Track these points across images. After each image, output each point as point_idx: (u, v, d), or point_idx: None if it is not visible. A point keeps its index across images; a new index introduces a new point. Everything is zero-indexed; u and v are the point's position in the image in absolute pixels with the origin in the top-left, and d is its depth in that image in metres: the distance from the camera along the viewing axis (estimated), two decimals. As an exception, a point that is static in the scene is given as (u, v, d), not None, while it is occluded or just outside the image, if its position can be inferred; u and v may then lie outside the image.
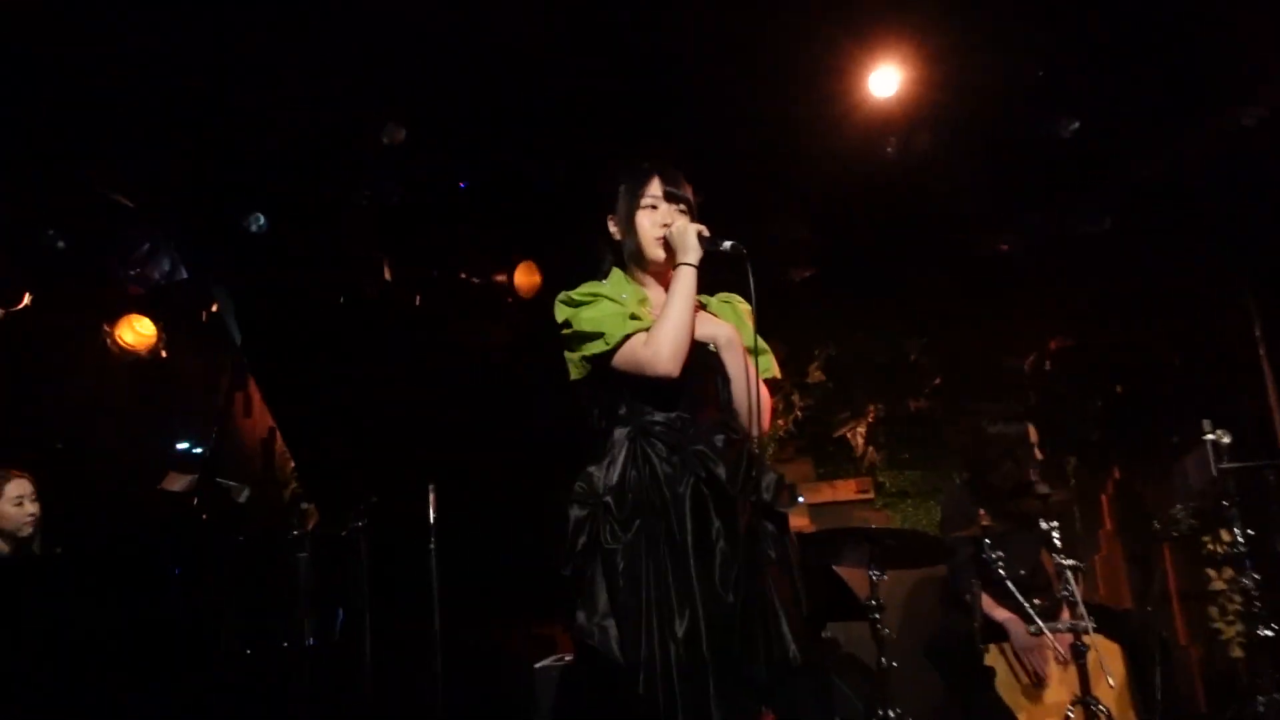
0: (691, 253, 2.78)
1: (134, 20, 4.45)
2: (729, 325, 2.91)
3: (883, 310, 6.45)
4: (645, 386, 2.76)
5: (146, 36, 4.51)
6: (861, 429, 6.53)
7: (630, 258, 2.94)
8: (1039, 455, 5.01)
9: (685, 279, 2.76)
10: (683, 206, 2.92)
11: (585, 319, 2.79)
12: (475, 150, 5.66)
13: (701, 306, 2.92)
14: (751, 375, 2.83)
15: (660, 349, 2.68)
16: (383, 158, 5.47)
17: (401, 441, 5.50)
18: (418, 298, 5.97)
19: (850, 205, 5.96)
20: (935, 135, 5.44)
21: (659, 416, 2.75)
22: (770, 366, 2.96)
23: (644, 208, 2.89)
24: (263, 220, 5.47)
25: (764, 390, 2.88)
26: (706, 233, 2.80)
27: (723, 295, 3.00)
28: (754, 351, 2.84)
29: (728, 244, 2.76)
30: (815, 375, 6.60)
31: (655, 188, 2.91)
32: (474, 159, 5.72)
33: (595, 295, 2.82)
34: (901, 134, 5.47)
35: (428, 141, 5.51)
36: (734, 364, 2.82)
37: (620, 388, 2.80)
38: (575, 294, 2.86)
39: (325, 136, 5.32)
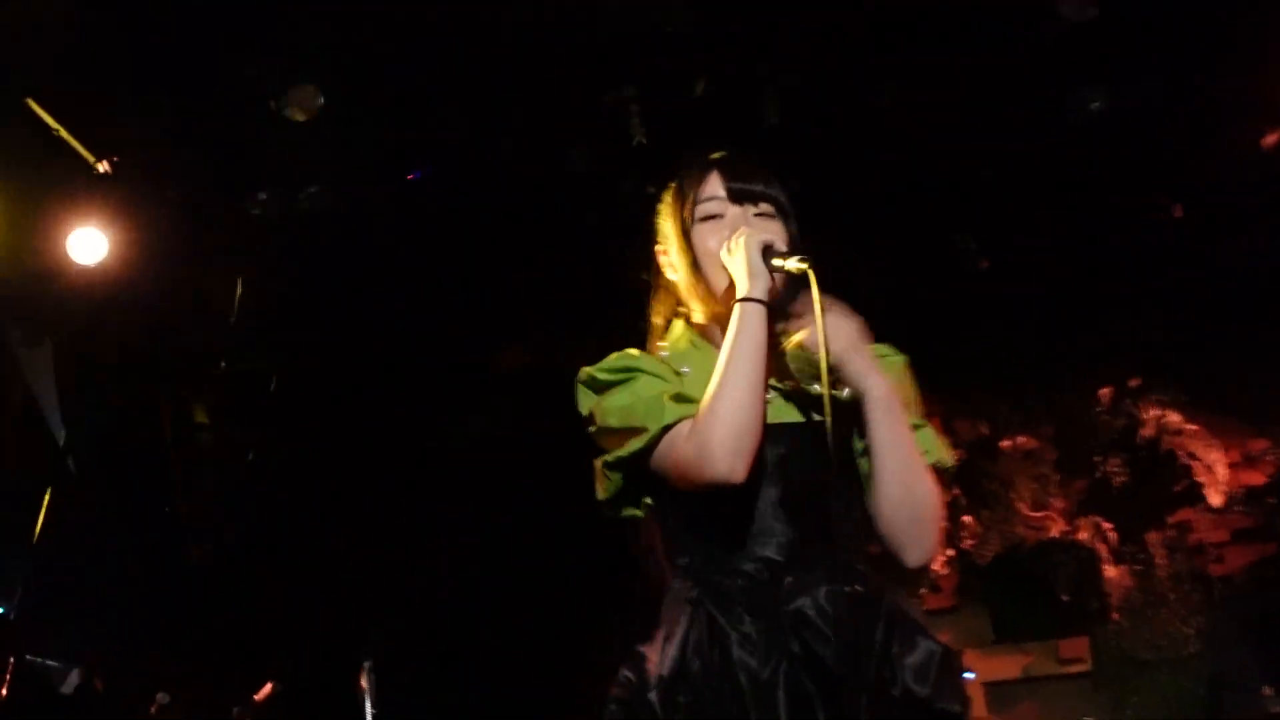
0: (757, 280, 2.65)
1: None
2: (882, 376, 2.71)
3: (1105, 352, 6.22)
4: (706, 510, 2.65)
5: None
6: (1068, 560, 6.39)
7: (699, 302, 2.83)
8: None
9: (746, 323, 2.64)
10: (765, 208, 2.79)
11: (613, 408, 2.71)
12: (441, 133, 5.53)
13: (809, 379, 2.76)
14: (914, 458, 2.67)
15: (708, 438, 2.57)
16: (290, 142, 5.35)
17: (320, 594, 5.46)
18: (347, 369, 5.88)
19: (1048, 179, 5.69)
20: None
21: (742, 563, 2.65)
22: (934, 447, 2.79)
23: (702, 219, 2.79)
24: (101, 246, 5.29)
25: (933, 488, 2.70)
26: (779, 244, 2.68)
27: (876, 348, 2.85)
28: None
29: (793, 260, 2.64)
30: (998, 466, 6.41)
31: (715, 185, 2.81)
32: (440, 145, 5.61)
33: (629, 371, 2.74)
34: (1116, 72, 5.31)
35: (365, 119, 5.37)
36: (888, 438, 2.65)
37: (670, 512, 2.69)
38: (600, 370, 2.77)
39: (201, 107, 5.23)
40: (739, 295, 2.65)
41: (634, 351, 2.80)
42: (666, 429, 2.62)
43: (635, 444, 2.66)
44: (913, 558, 2.66)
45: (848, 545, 2.68)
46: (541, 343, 6.17)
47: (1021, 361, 6.30)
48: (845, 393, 2.68)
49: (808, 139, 5.41)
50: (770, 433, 2.63)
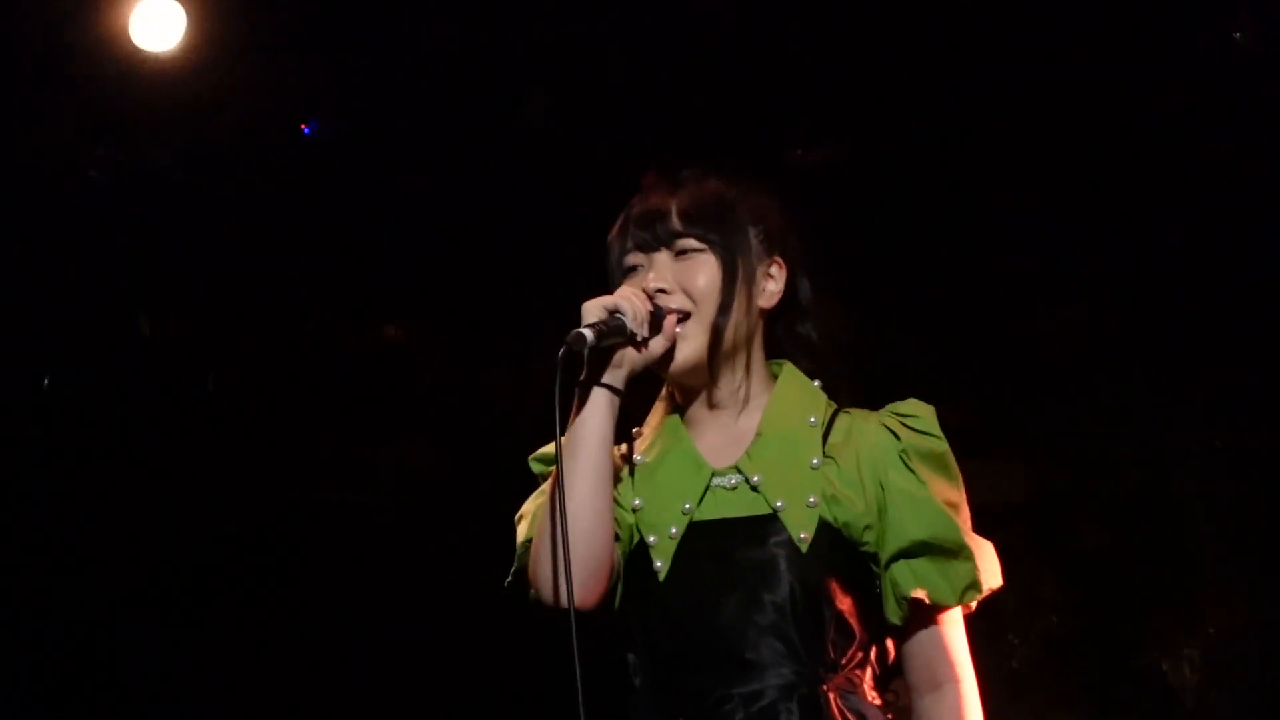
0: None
1: None
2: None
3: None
4: (644, 627, 2.86)
5: None
6: (1194, 650, 6.04)
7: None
8: None
9: (583, 410, 2.82)
10: (687, 245, 2.91)
11: (520, 513, 2.96)
12: (346, 67, 5.37)
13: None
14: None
15: (533, 559, 2.81)
16: (143, 78, 5.17)
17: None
18: (217, 399, 5.79)
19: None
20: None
21: (684, 695, 2.79)
22: (970, 575, 2.86)
23: (625, 275, 2.95)
24: None
25: (948, 630, 2.88)
26: (622, 307, 2.80)
27: (895, 407, 2.97)
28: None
29: (576, 331, 2.77)
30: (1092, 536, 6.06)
31: (628, 232, 3.00)
32: (346, 85, 5.44)
33: (554, 460, 2.85)
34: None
35: (236, 43, 5.18)
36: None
37: (619, 623, 2.92)
38: (534, 459, 3.02)
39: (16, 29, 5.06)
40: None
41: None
42: (525, 545, 2.84)
43: (516, 563, 2.91)
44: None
45: (816, 671, 2.75)
46: (487, 370, 5.92)
47: (1136, 391, 5.85)
48: (781, 506, 2.80)
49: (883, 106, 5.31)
50: (723, 531, 2.80)
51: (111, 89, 5.22)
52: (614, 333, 2.72)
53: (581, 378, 2.76)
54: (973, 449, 2.91)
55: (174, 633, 5.82)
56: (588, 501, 2.76)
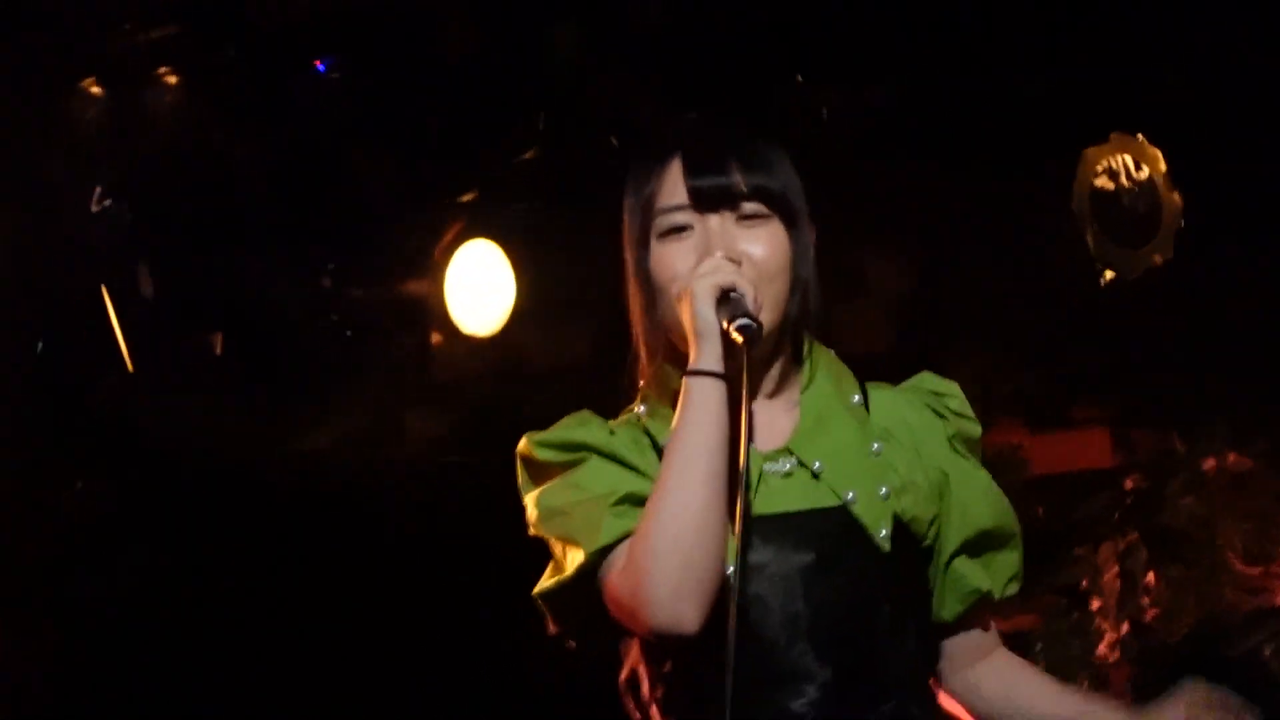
0: (706, 343, 2.67)
1: None
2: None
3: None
4: (701, 647, 2.66)
5: None
6: None
7: (676, 354, 2.84)
8: None
9: (693, 407, 2.67)
10: (753, 209, 2.78)
11: (547, 511, 2.77)
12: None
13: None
14: None
15: (642, 575, 2.60)
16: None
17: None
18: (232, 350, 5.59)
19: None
20: None
21: None
22: (1017, 565, 2.91)
23: (662, 235, 2.79)
24: None
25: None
26: (743, 285, 2.68)
27: (926, 385, 2.93)
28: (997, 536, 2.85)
29: (738, 321, 2.64)
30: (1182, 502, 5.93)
31: (676, 184, 2.79)
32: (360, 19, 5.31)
33: (575, 451, 2.78)
34: None
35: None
36: None
37: (654, 649, 2.77)
38: (541, 445, 2.82)
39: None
40: (690, 366, 2.69)
41: (588, 417, 2.84)
42: (602, 553, 2.66)
43: (563, 575, 2.73)
44: None
45: (899, 682, 2.74)
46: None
47: (1231, 344, 5.73)
48: (852, 498, 2.73)
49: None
50: (785, 528, 2.70)
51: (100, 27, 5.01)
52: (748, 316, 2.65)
53: (690, 367, 2.64)
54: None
55: (177, 632, 5.76)
56: (718, 510, 2.63)
